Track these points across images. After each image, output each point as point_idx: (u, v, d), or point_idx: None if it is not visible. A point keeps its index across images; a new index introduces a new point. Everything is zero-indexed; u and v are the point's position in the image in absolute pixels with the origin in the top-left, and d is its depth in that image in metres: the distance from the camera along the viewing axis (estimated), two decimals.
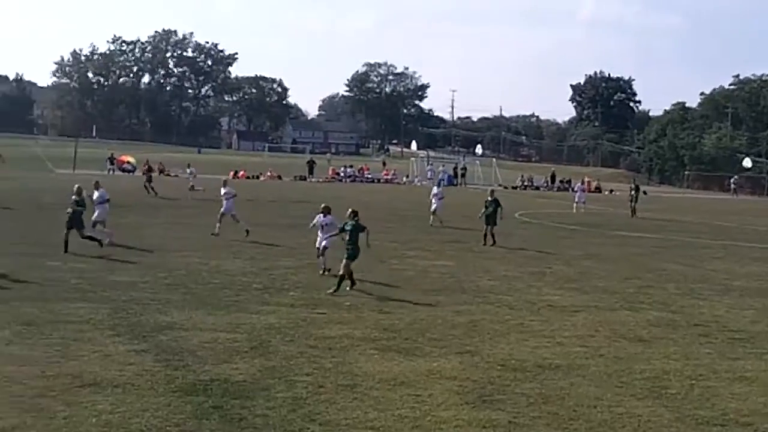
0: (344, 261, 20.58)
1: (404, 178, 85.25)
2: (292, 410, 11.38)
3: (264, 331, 15.95)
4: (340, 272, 20.52)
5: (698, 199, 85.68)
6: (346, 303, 19.15)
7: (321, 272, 22.73)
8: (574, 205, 53.63)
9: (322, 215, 23.30)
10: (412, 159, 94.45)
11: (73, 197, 25.98)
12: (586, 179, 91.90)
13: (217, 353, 14.19)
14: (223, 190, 31.97)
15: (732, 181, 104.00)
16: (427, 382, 13.05)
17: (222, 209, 31.11)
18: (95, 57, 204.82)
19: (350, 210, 21.95)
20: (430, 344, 15.61)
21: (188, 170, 58.39)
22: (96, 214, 27.64)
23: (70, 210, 25.50)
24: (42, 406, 11.08)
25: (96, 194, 28.05)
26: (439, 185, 42.03)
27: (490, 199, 32.95)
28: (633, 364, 14.80)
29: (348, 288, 20.44)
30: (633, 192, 51.76)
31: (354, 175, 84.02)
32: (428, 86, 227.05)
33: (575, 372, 14.09)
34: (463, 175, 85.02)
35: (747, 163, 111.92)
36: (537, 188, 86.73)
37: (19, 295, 18.27)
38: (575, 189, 58.19)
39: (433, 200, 39.59)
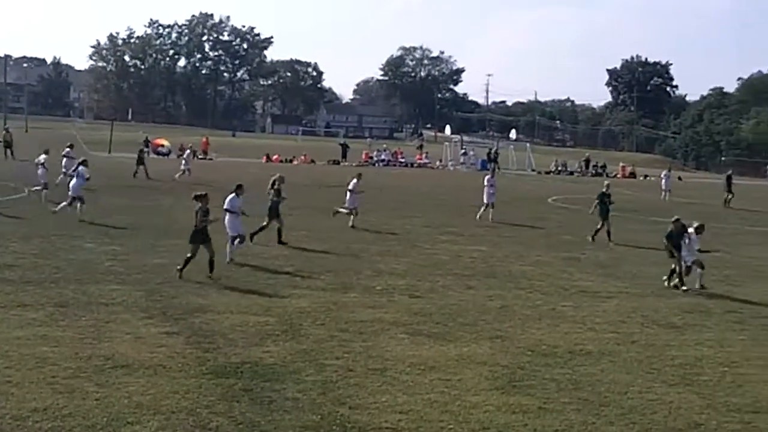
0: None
1: (438, 163, 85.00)
2: (321, 393, 11.42)
3: (295, 315, 16.00)
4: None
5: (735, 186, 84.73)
6: (378, 287, 19.16)
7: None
8: (662, 192, 54.55)
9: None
10: (446, 144, 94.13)
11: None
12: (621, 164, 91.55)
13: (248, 336, 14.26)
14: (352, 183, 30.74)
15: (767, 167, 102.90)
16: (457, 366, 13.05)
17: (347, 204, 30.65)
18: (132, 40, 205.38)
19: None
20: (461, 329, 15.60)
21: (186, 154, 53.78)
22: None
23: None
24: (74, 386, 11.19)
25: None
26: (492, 173, 35.77)
27: (604, 191, 30.18)
28: (665, 351, 14.73)
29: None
30: (726, 187, 51.60)
31: (388, 160, 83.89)
32: (463, 70, 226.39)
33: (606, 358, 14.04)
34: (495, 160, 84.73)
35: None
36: (571, 173, 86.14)
37: (53, 277, 18.43)
38: (662, 176, 58.58)
39: (488, 191, 34.63)
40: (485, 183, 34.77)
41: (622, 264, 24.86)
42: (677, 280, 20.81)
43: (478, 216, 34.12)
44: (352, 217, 29.83)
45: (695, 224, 21.62)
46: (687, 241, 21.15)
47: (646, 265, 24.61)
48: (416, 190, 50.62)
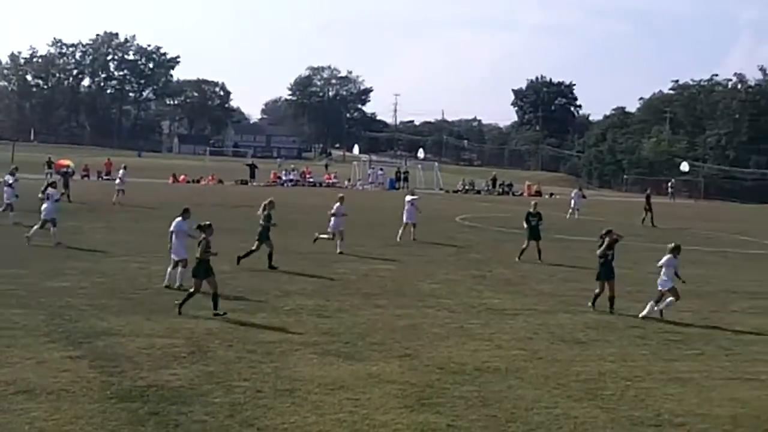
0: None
1: (346, 182, 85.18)
2: (229, 416, 11.31)
3: (202, 336, 15.83)
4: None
5: (637, 203, 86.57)
6: (286, 308, 19.09)
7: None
8: (570, 210, 54.77)
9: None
10: (355, 163, 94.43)
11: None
12: (527, 183, 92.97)
13: (154, 359, 14.06)
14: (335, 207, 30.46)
15: (669, 184, 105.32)
16: (366, 386, 13.05)
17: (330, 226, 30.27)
18: (34, 59, 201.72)
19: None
20: (369, 348, 15.62)
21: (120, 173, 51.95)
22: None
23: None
24: None
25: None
26: (413, 193, 35.32)
27: (533, 211, 30.32)
28: (570, 367, 14.96)
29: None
30: (646, 205, 52.06)
31: (296, 179, 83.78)
32: (371, 90, 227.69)
33: (514, 374, 14.19)
34: (405, 179, 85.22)
35: (684, 167, 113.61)
36: (478, 192, 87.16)
37: None
38: (572, 195, 58.94)
39: (408, 209, 34.62)
40: (406, 202, 34.84)
41: (529, 281, 25.18)
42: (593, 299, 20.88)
43: (398, 237, 34.11)
44: (338, 242, 29.56)
45: (671, 245, 20.67)
46: (662, 265, 20.32)
47: (552, 282, 24.99)
48: (324, 209, 50.36)
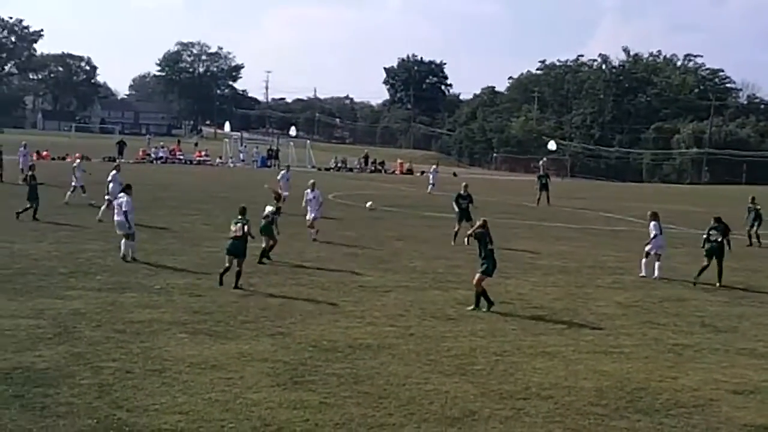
0: None
1: (217, 160, 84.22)
2: (97, 397, 11.10)
3: (69, 317, 15.48)
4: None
5: (507, 181, 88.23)
6: (156, 286, 18.79)
7: None
8: (429, 186, 56.23)
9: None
10: (226, 140, 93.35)
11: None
12: (399, 161, 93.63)
13: (19, 340, 13.68)
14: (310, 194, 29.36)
15: (541, 163, 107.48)
16: (238, 364, 12.97)
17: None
18: None
19: None
20: (241, 327, 15.52)
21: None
22: None
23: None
24: None
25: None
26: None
27: (463, 193, 30.00)
28: (441, 342, 15.16)
29: None
30: (541, 181, 52.24)
31: (166, 157, 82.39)
32: (242, 66, 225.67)
33: (386, 351, 14.30)
34: (276, 157, 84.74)
35: (552, 145, 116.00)
36: (350, 170, 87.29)
37: None
38: (429, 172, 60.41)
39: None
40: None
41: (400, 258, 25.38)
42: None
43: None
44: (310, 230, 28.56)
45: (650, 213, 24.40)
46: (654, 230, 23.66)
47: (423, 260, 25.24)
48: (195, 187, 49.87)
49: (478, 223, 19.03)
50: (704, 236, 24.08)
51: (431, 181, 58.00)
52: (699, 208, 51.81)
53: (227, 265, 19.58)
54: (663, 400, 12.53)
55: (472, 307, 18.23)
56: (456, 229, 29.12)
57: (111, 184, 29.83)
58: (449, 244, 28.63)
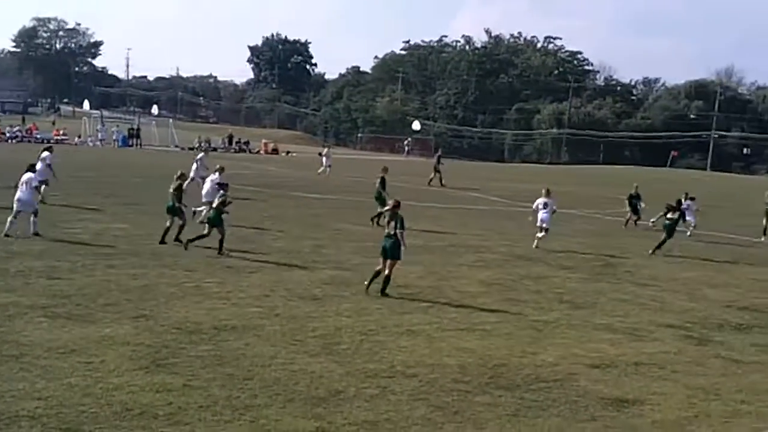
0: None
1: (76, 139, 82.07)
2: None
3: None
4: None
5: (372, 161, 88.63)
6: (12, 269, 18.20)
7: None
8: (324, 168, 54.74)
9: None
10: (85, 119, 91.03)
11: None
12: (264, 141, 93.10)
13: None
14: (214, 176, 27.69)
15: (406, 143, 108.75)
16: (99, 348, 12.70)
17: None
18: None
19: None
20: (102, 310, 15.19)
21: None
22: None
23: None
24: None
25: None
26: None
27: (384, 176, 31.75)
28: (307, 323, 15.17)
29: None
30: (437, 164, 52.87)
31: (22, 136, 79.86)
32: (102, 43, 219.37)
33: (251, 332, 14.23)
34: (138, 136, 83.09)
35: (416, 125, 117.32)
36: (215, 149, 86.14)
37: None
38: (323, 155, 58.72)
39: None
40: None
41: (264, 238, 25.26)
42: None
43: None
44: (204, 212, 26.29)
45: (544, 190, 27.32)
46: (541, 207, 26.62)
47: (289, 239, 25.18)
48: (54, 167, 48.35)
49: (391, 203, 19.01)
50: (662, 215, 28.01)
51: (328, 163, 55.57)
52: (561, 187, 53.08)
53: (167, 224, 22.85)
54: (524, 375, 12.86)
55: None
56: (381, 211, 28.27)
57: None
58: (315, 223, 28.61)
